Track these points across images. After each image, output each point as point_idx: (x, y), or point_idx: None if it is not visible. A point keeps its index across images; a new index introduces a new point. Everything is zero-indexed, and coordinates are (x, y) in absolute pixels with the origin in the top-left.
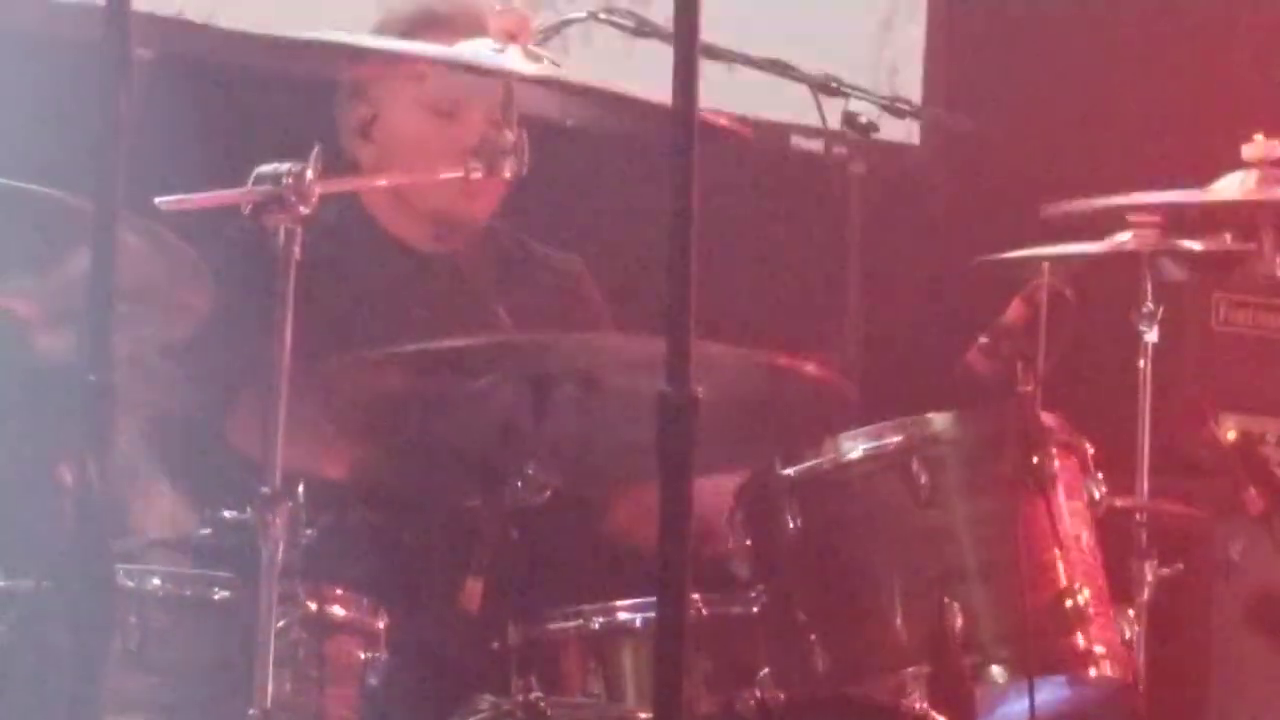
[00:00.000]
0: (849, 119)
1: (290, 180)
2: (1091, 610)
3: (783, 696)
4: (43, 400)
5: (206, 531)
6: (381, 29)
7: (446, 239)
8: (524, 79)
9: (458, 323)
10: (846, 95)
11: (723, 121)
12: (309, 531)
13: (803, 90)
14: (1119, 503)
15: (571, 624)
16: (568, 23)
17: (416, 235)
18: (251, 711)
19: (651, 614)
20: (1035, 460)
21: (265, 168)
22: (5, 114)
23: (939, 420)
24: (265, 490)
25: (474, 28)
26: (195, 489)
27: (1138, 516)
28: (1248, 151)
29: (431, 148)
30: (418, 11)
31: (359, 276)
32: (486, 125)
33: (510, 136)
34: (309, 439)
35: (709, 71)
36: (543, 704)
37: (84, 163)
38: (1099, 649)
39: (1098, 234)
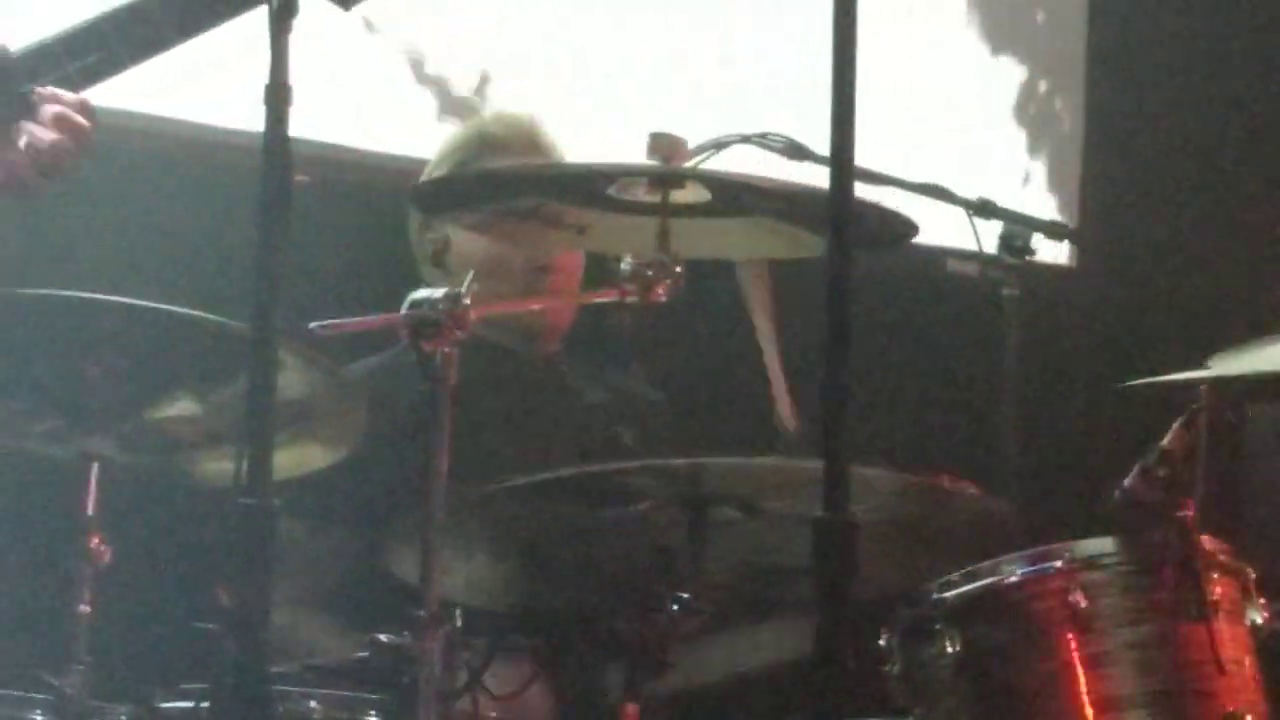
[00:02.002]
0: (1005, 242)
1: (446, 304)
2: None
3: None
4: (202, 523)
5: (363, 655)
6: (440, 160)
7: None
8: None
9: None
10: (1002, 218)
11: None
12: (465, 655)
13: (959, 214)
14: None
15: None
16: (722, 145)
17: (513, 341)
18: None
19: None
20: (1196, 586)
21: (421, 292)
22: (166, 240)
23: (1098, 545)
24: (422, 614)
25: (530, 147)
26: (352, 613)
27: None
28: None
29: (506, 271)
30: (473, 138)
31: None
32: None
33: (666, 259)
34: (465, 563)
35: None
36: None
37: (243, 288)
38: None
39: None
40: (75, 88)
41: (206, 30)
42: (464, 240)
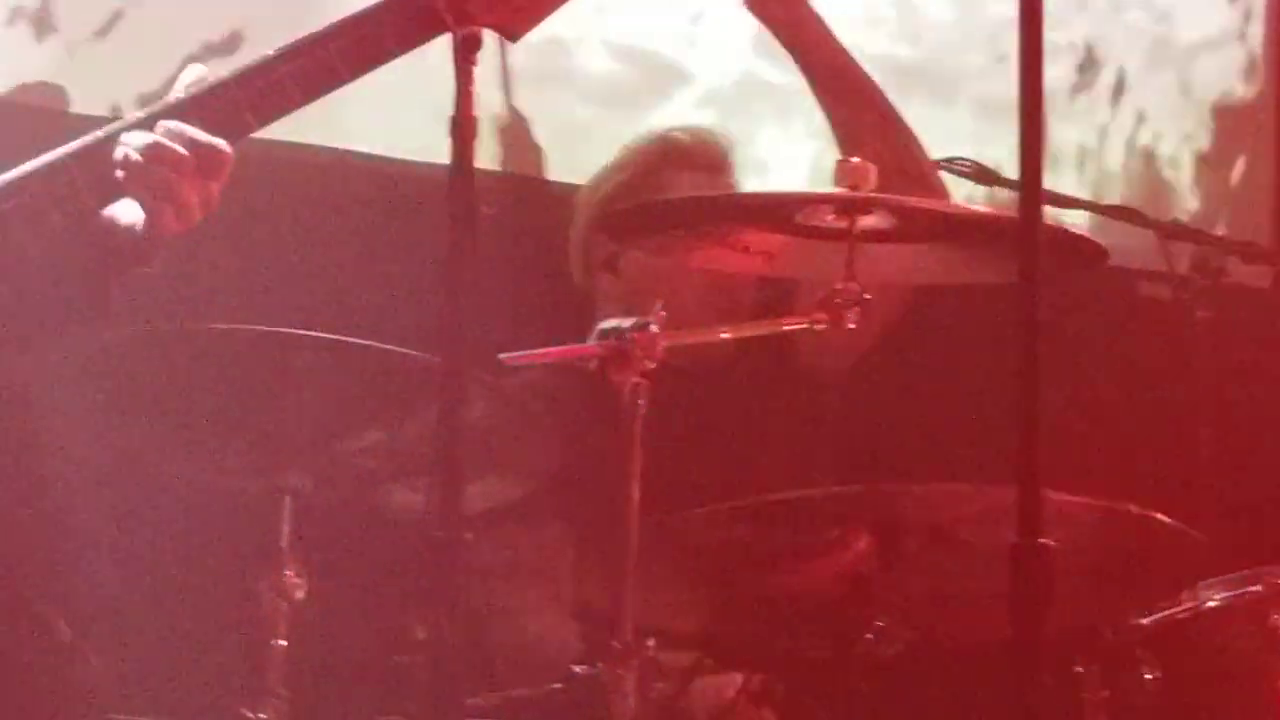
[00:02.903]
0: (1198, 264)
1: (635, 334)
2: None
3: None
4: (395, 555)
5: (558, 686)
6: (622, 165)
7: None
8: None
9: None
10: (1195, 240)
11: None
12: (659, 685)
13: (1150, 236)
14: None
15: None
16: None
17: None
18: None
19: None
20: None
21: (610, 322)
22: (354, 273)
23: None
24: (616, 644)
25: (714, 162)
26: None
27: None
28: None
29: (678, 283)
30: (657, 147)
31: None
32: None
33: (856, 287)
34: (659, 592)
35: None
36: None
37: (431, 320)
38: None
39: None
40: (247, 128)
41: (376, 67)
42: (711, 256)
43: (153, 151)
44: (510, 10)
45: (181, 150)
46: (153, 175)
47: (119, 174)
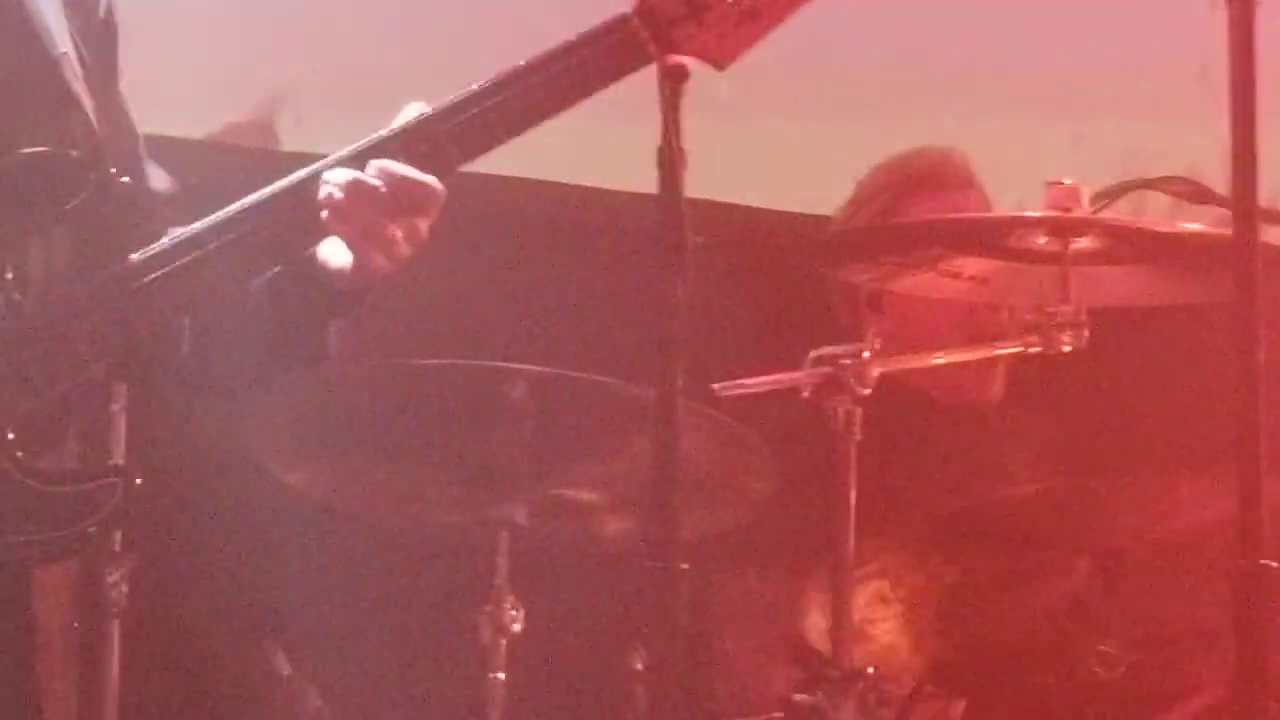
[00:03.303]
0: None
1: (849, 362)
2: None
3: None
4: (612, 586)
5: (778, 715)
6: (864, 198)
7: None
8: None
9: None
10: None
11: None
12: (881, 713)
13: None
14: None
15: None
16: (1123, 189)
17: (943, 396)
18: None
19: None
20: None
21: (823, 349)
22: (565, 305)
23: None
24: (835, 673)
25: (960, 181)
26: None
27: None
28: None
29: (944, 316)
30: (899, 173)
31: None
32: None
33: (1069, 310)
34: (873, 620)
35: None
36: None
37: (644, 351)
38: None
39: None
40: (453, 163)
41: (581, 100)
42: (923, 283)
43: (356, 190)
44: (715, 39)
45: (386, 188)
46: (357, 214)
47: (323, 214)
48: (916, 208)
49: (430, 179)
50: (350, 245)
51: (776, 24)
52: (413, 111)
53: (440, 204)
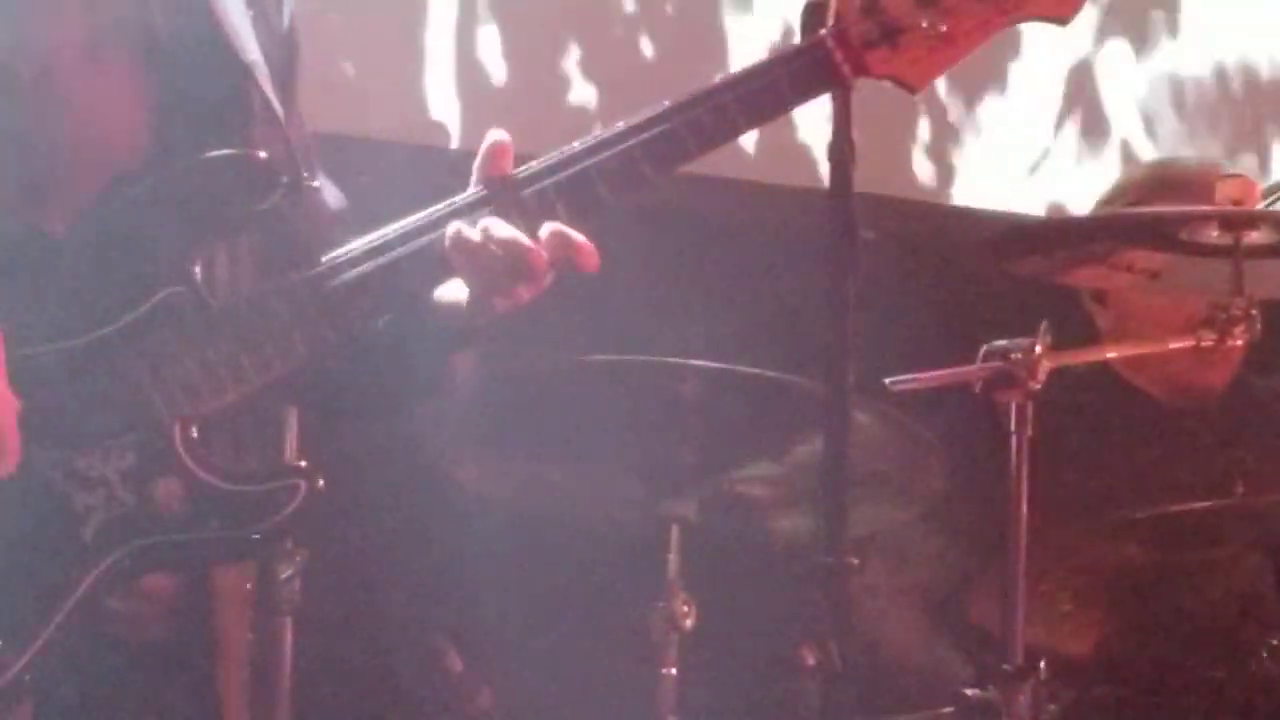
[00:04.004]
0: None
1: (1020, 356)
2: None
3: None
4: (782, 581)
5: (949, 710)
6: (1112, 197)
7: (1189, 401)
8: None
9: (1200, 487)
10: None
11: None
12: (1052, 708)
13: None
14: None
15: None
16: None
17: (1160, 392)
18: None
19: None
20: None
21: (995, 344)
22: (737, 301)
23: None
24: (1007, 667)
25: (1205, 192)
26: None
27: None
28: None
29: (1165, 314)
30: (1154, 174)
31: (1108, 431)
32: (1215, 293)
33: (1242, 303)
34: (1051, 613)
35: None
36: None
37: (817, 346)
38: None
39: None
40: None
41: (773, 119)
42: (1096, 276)
43: (472, 247)
44: (909, 63)
45: (497, 252)
46: (477, 265)
47: (450, 257)
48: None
49: (529, 247)
50: (470, 287)
51: (972, 49)
52: (492, 137)
53: (547, 273)
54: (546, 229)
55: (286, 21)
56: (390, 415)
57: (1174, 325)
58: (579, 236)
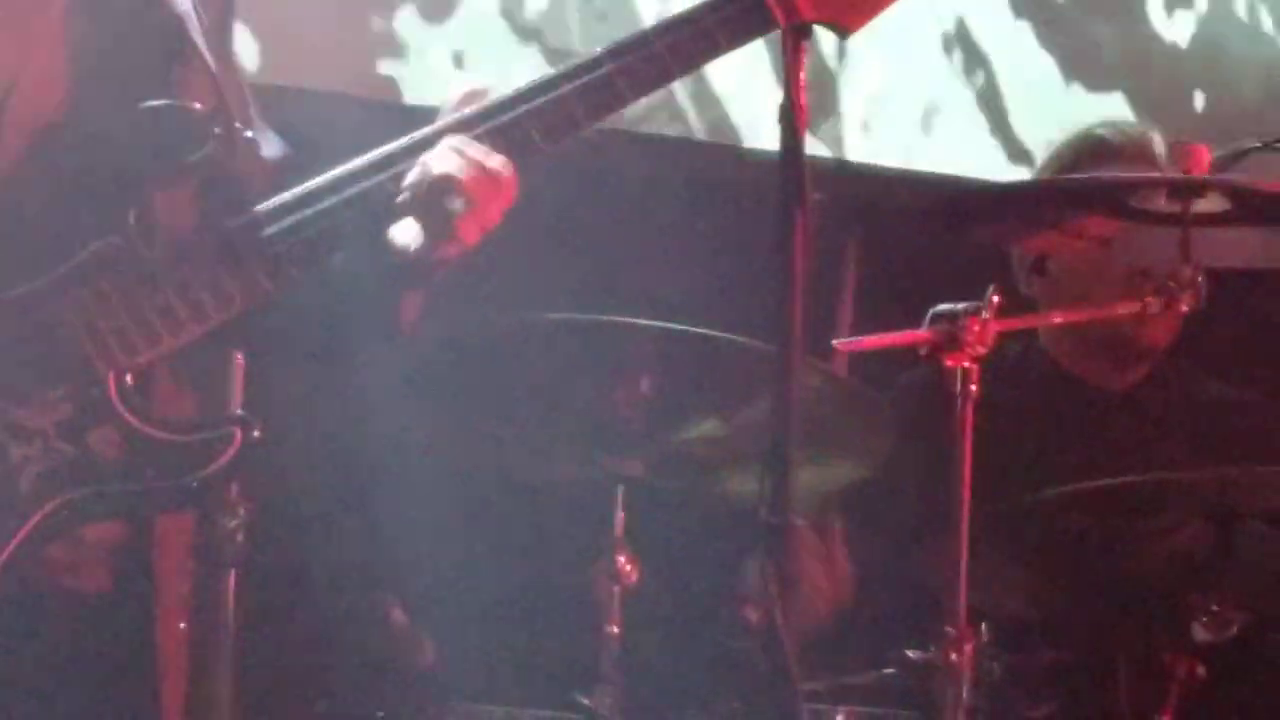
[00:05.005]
0: None
1: (967, 320)
2: None
3: None
4: (728, 541)
5: (891, 671)
6: (1045, 164)
7: (1126, 371)
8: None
9: (1138, 462)
10: None
11: None
12: (994, 669)
13: None
14: None
15: None
16: (1243, 153)
17: (1097, 372)
18: None
19: None
20: None
21: (942, 308)
22: (685, 260)
23: None
24: (950, 630)
25: (1142, 156)
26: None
27: None
28: None
29: (1103, 276)
30: (1087, 143)
31: (1041, 416)
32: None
33: (1188, 270)
34: (993, 578)
35: None
36: None
37: (765, 307)
38: None
39: None
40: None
41: (705, 64)
42: (1047, 242)
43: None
44: (845, 6)
45: (478, 156)
46: (431, 201)
47: (401, 197)
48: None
49: (504, 165)
50: (423, 227)
51: None
52: (469, 94)
53: (511, 188)
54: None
55: None
56: (339, 357)
57: (1115, 294)
58: None
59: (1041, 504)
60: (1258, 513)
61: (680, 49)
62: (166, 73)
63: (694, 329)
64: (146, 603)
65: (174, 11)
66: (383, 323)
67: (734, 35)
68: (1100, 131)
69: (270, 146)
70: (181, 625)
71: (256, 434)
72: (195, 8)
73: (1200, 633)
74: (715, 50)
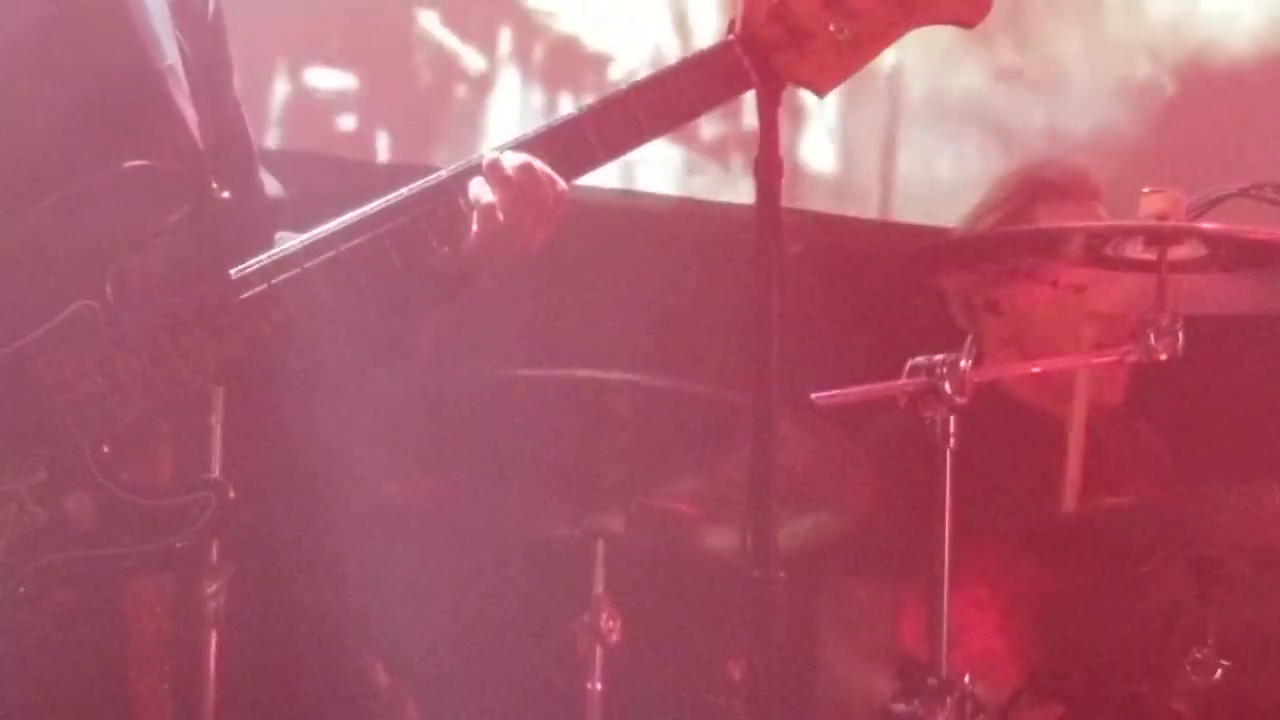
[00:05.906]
0: None
1: (946, 370)
2: None
3: None
4: (709, 598)
5: None
6: (994, 204)
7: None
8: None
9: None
10: None
11: None
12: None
13: None
14: None
15: None
16: (1218, 200)
17: (1059, 409)
18: None
19: None
20: None
21: (919, 359)
22: (663, 316)
23: None
24: (932, 681)
25: (1086, 193)
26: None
27: None
28: None
29: (1065, 318)
30: (1026, 183)
31: (1002, 455)
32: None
33: (1165, 318)
34: (971, 629)
35: None
36: None
37: (743, 361)
38: None
39: None
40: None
41: (681, 125)
42: (1020, 290)
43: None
44: (816, 68)
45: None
46: (510, 192)
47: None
48: (1039, 215)
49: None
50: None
51: (878, 53)
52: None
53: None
54: None
55: (211, 11)
56: (358, 380)
57: (1075, 337)
58: None
59: (1010, 552)
60: (1238, 555)
61: (655, 110)
62: (145, 133)
63: (673, 384)
64: (118, 666)
65: (156, 68)
66: (403, 341)
67: (710, 96)
68: (1043, 171)
69: (271, 187)
70: (165, 686)
71: (231, 495)
72: (185, 55)
73: (1185, 679)
74: (691, 111)
